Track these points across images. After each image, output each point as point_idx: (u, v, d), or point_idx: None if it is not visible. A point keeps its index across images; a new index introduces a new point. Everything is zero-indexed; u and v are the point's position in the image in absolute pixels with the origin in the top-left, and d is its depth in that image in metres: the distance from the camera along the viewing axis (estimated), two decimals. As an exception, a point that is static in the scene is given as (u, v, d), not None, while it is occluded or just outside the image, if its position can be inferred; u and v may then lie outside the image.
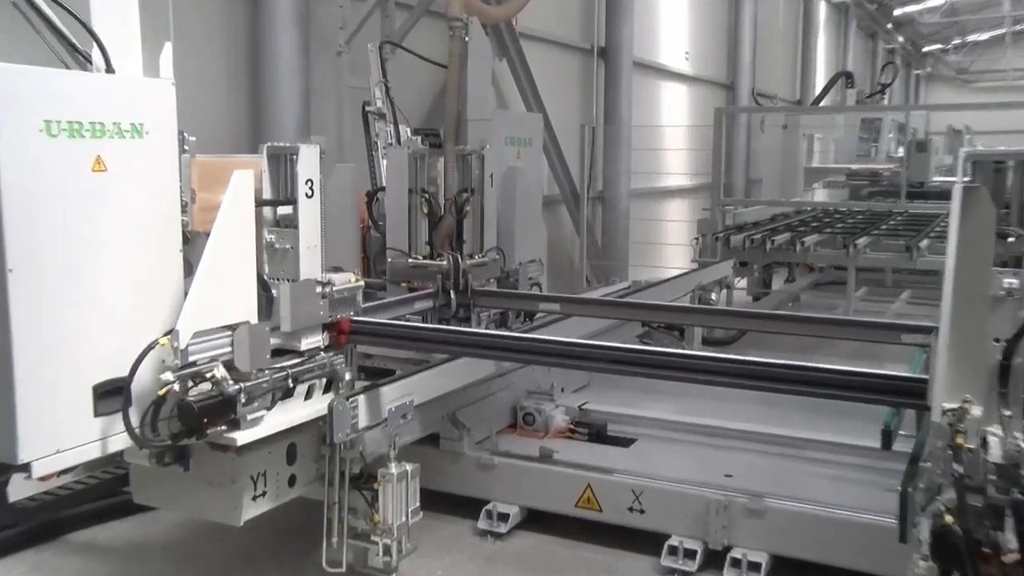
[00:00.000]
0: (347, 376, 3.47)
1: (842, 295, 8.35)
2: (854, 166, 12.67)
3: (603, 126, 10.97)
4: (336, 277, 3.43)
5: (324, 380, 3.41)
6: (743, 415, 4.65)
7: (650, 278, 8.12)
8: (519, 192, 5.75)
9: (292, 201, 3.32)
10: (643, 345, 5.91)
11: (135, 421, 2.84)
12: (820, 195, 12.25)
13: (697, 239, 8.63)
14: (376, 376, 3.90)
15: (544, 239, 6.17)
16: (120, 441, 2.86)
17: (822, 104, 12.36)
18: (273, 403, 3.14)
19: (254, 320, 3.11)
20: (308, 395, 3.35)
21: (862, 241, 8.00)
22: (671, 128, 12.48)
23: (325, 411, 3.28)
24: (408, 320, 4.80)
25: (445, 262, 5.09)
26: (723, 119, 9.76)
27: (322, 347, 3.40)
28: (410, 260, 5.21)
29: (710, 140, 9.88)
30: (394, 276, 5.25)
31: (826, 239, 8.42)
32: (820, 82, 17.61)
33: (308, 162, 3.31)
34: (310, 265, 3.35)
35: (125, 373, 2.83)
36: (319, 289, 3.36)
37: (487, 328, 5.15)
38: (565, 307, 4.76)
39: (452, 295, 4.99)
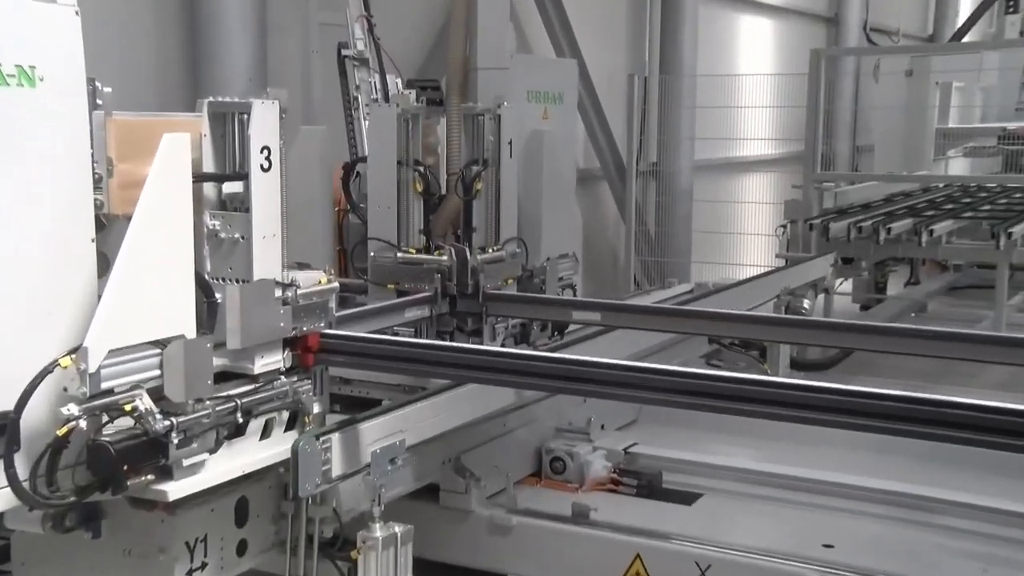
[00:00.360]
0: (316, 408, 3.50)
1: (988, 303, 8.27)
2: (1011, 125, 12.13)
3: (659, 76, 10.95)
4: (302, 277, 3.44)
5: (286, 414, 3.43)
6: (847, 464, 4.60)
7: (720, 279, 8.11)
8: (547, 165, 5.78)
9: (243, 176, 3.32)
10: (711, 369, 5.88)
11: (23, 472, 2.78)
12: (958, 166, 11.93)
13: (784, 227, 8.62)
14: (355, 408, 3.87)
15: (579, 227, 6.25)
16: (1, 500, 2.79)
17: (966, 40, 12.05)
18: (217, 444, 3.15)
19: (191, 334, 3.10)
20: (265, 433, 3.37)
21: (1019, 229, 7.85)
22: (751, 78, 12.35)
23: (287, 455, 3.30)
24: (397, 334, 4.82)
25: (447, 257, 5.13)
26: (822, 64, 9.70)
27: (283, 370, 3.42)
28: (400, 254, 5.24)
29: (803, 94, 9.86)
30: (379, 275, 5.28)
31: (966, 227, 8.33)
32: (964, 10, 17.27)
33: (264, 123, 3.31)
34: (267, 261, 3.37)
35: (10, 407, 2.76)
36: (279, 293, 3.36)
37: (503, 345, 5.20)
38: (607, 317, 4.79)
39: (456, 301, 5.02)
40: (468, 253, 5.15)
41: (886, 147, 11.85)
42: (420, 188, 5.28)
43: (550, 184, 5.83)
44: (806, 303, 6.89)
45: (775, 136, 12.61)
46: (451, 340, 5.06)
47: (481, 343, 5.11)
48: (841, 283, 8.77)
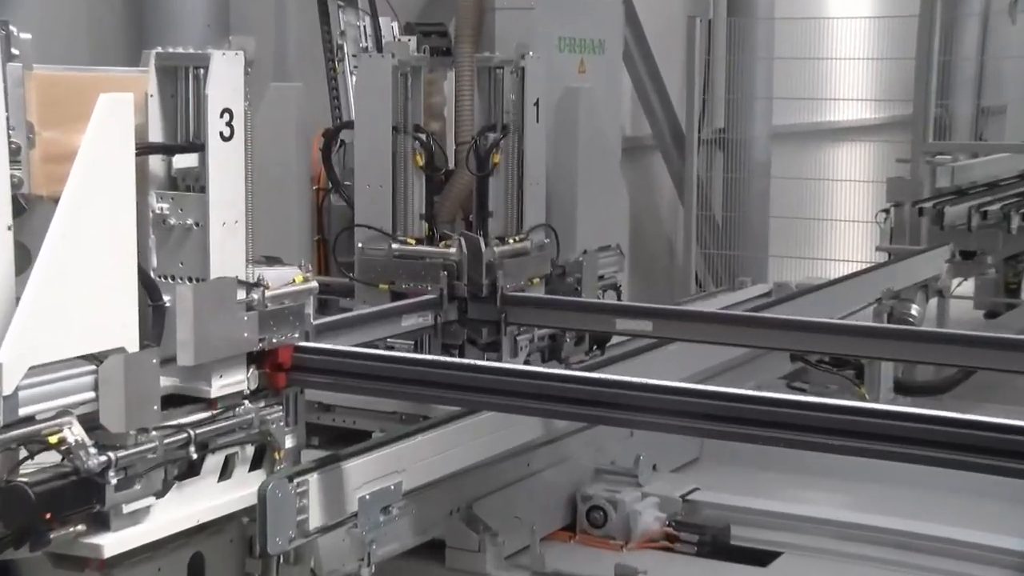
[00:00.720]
0: (289, 441, 3.52)
1: None
2: None
3: (726, 20, 10.93)
4: (272, 275, 3.48)
5: (251, 448, 3.45)
6: (969, 517, 4.56)
7: (805, 279, 8.15)
8: (584, 132, 5.79)
9: (198, 146, 3.35)
10: (792, 394, 5.82)
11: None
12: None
13: (886, 212, 8.57)
14: (339, 442, 3.92)
15: (625, 211, 6.26)
16: None
17: None
18: (166, 487, 3.16)
19: (134, 347, 3.13)
20: (225, 473, 3.39)
21: None
22: (844, 22, 12.29)
23: (253, 500, 3.30)
24: (392, 348, 4.83)
25: (455, 250, 5.15)
26: (937, 2, 9.65)
27: (247, 392, 3.45)
28: (395, 246, 5.26)
29: (912, 42, 9.82)
30: (368, 273, 5.31)
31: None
32: None
33: (225, 80, 3.33)
34: (227, 254, 3.39)
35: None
36: (242, 295, 3.39)
37: (526, 362, 5.22)
38: (661, 327, 4.80)
39: (467, 306, 5.06)
40: (483, 244, 5.15)
41: (1022, 109, 11.85)
42: (421, 161, 5.27)
43: (588, 156, 5.85)
44: (915, 310, 6.91)
45: (875, 96, 12.63)
46: (460, 356, 5.07)
47: (499, 359, 5.12)
48: (960, 284, 8.74)
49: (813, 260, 10.83)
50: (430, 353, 4.97)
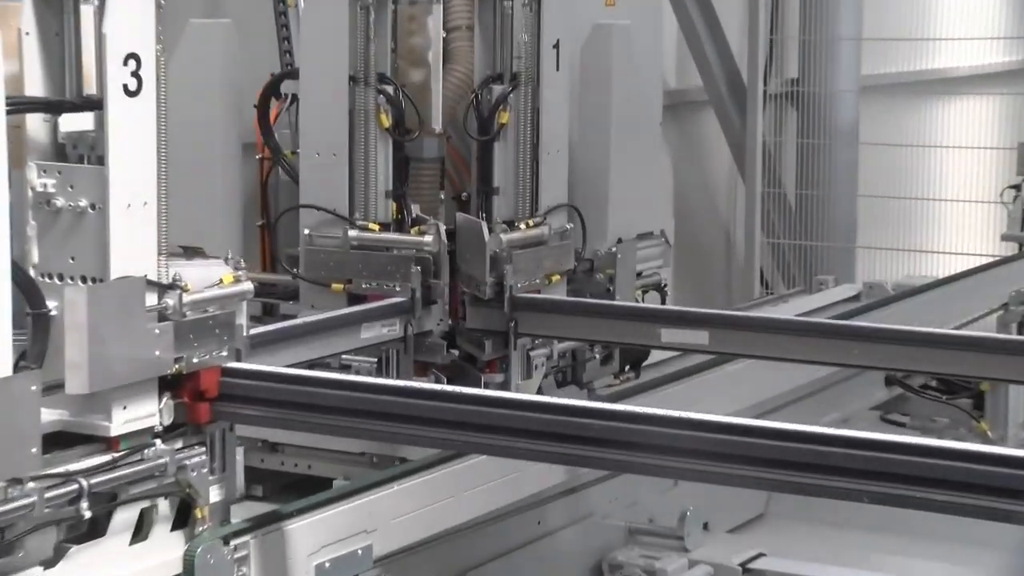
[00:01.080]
0: (215, 494, 3.52)
1: None
2: None
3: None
4: (193, 273, 3.48)
5: (173, 503, 3.45)
6: None
7: (904, 277, 8.39)
8: (617, 83, 5.78)
9: (93, 103, 3.33)
10: (888, 431, 5.94)
11: None
12: None
13: (1016, 189, 8.51)
14: (289, 493, 4.01)
15: (669, 188, 6.20)
16: None
17: None
18: (57, 553, 3.15)
19: (6, 370, 3.05)
20: (139, 534, 3.38)
21: None
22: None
23: (178, 568, 3.32)
24: (350, 368, 4.88)
25: (430, 237, 5.13)
26: None
27: (159, 429, 3.43)
28: (353, 233, 5.27)
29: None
30: (317, 268, 5.33)
31: None
32: None
33: (130, 16, 3.29)
34: (133, 246, 3.36)
35: None
36: (153, 299, 3.37)
37: (540, 387, 5.27)
38: (717, 339, 4.86)
39: (463, 311, 5.12)
40: (485, 230, 5.17)
41: None
42: (387, 122, 5.28)
43: (623, 116, 5.84)
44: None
45: (999, 35, 12.55)
46: (448, 380, 5.10)
47: (506, 382, 5.18)
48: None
49: (915, 253, 10.85)
50: (399, 374, 5.01)
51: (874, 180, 11.10)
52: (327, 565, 3.48)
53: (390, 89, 5.30)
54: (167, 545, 3.40)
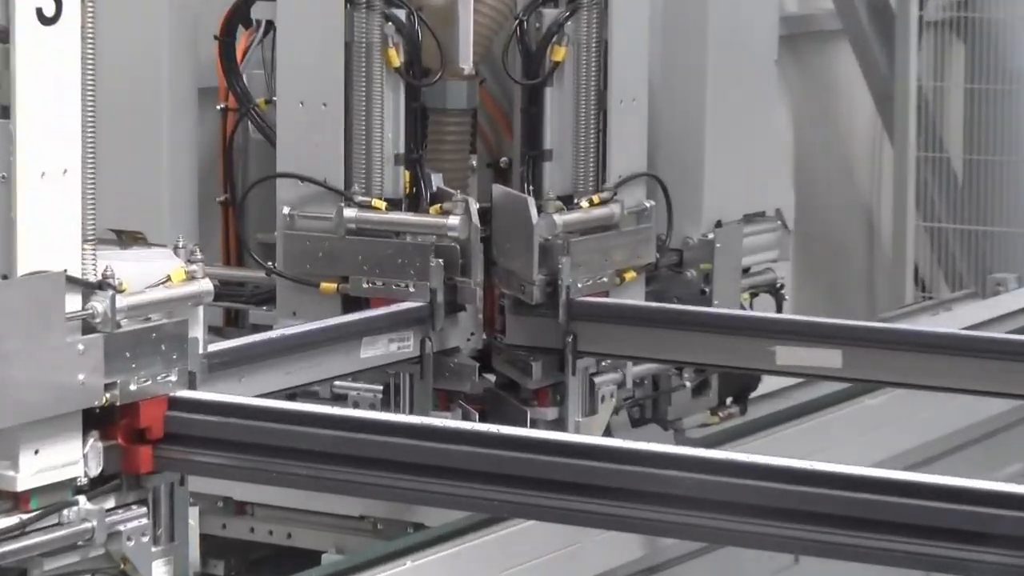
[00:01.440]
0: (161, 571, 3.78)
1: None
2: None
3: None
4: (130, 268, 3.66)
5: None
6: None
7: None
8: (715, 7, 6.07)
9: (-1, 34, 3.26)
10: None
11: None
12: None
13: None
14: (264, 569, 3.83)
15: (789, 153, 6.29)
16: None
17: None
18: None
19: None
20: None
21: None
22: None
23: None
24: (346, 399, 5.14)
25: (458, 218, 5.19)
26: None
27: (85, 481, 3.64)
28: (351, 213, 5.35)
29: None
30: (301, 261, 5.47)
31: None
32: None
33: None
34: (48, 228, 3.58)
35: None
36: (75, 304, 3.54)
37: (608, 426, 5.51)
38: (855, 361, 5.11)
39: (504, 319, 5.41)
40: (532, 209, 5.13)
41: None
42: (398, 59, 5.31)
43: (723, 51, 5.98)
44: None
45: None
46: (480, 415, 5.21)
47: (562, 420, 5.28)
48: None
49: None
50: (413, 407, 5.06)
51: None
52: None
53: (401, 14, 5.31)
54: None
